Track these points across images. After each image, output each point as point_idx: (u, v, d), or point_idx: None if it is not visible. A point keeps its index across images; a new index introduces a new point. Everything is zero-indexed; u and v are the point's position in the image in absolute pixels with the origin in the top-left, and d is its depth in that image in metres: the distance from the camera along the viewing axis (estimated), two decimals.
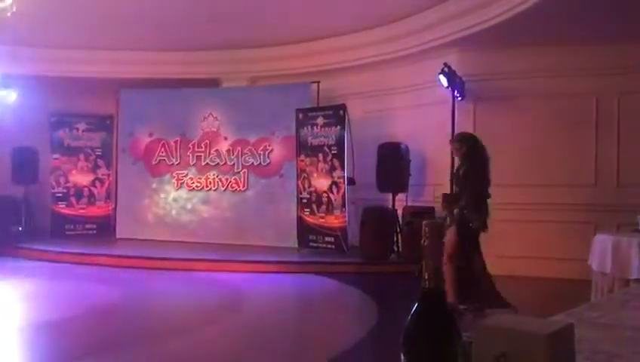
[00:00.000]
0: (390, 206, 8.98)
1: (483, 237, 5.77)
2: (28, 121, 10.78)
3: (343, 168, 9.09)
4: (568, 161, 8.04)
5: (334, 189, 9.18)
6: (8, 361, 4.37)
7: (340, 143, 9.17)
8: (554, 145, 8.12)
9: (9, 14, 6.49)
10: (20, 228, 10.18)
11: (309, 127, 9.58)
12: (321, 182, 9.36)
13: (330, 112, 9.43)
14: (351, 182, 9.14)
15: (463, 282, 5.48)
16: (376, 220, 8.77)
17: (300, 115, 9.76)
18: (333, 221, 9.16)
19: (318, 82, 10.04)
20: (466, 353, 0.98)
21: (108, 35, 9.96)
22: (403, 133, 9.27)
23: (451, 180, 6.21)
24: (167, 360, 4.40)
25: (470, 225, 5.61)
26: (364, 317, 5.86)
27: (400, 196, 9.03)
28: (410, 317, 0.93)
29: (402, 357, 0.92)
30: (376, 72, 9.81)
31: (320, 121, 9.46)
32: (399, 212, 8.92)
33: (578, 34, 7.53)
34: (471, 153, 5.83)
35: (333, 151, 9.25)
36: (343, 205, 9.06)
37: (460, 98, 8.15)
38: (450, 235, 5.58)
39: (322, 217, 9.31)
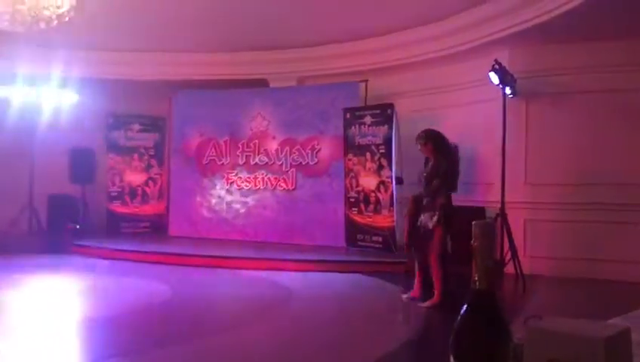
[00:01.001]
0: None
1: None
2: (85, 122, 11.18)
3: (390, 167, 9.05)
4: (623, 160, 7.76)
5: (382, 188, 9.15)
6: (66, 353, 4.54)
7: (387, 142, 9.13)
8: (609, 142, 7.86)
9: (67, 19, 6.72)
10: (78, 226, 10.52)
11: (357, 126, 9.57)
12: (369, 182, 9.35)
13: (378, 111, 9.40)
14: (399, 181, 9.07)
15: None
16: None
17: (348, 114, 9.76)
18: (381, 220, 9.13)
19: (366, 81, 10.02)
20: (517, 356, 0.97)
21: (161, 38, 10.20)
22: (452, 132, 9.09)
23: (422, 178, 6.20)
24: (216, 356, 4.48)
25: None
26: (411, 317, 5.81)
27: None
28: (459, 318, 0.93)
29: (452, 360, 0.92)
30: (425, 70, 9.71)
31: (368, 120, 9.44)
32: None
33: (635, 27, 7.27)
34: (438, 149, 6.00)
35: (380, 151, 9.21)
36: (391, 204, 9.02)
37: (511, 95, 7.98)
38: (438, 235, 5.78)
39: (370, 216, 9.29)
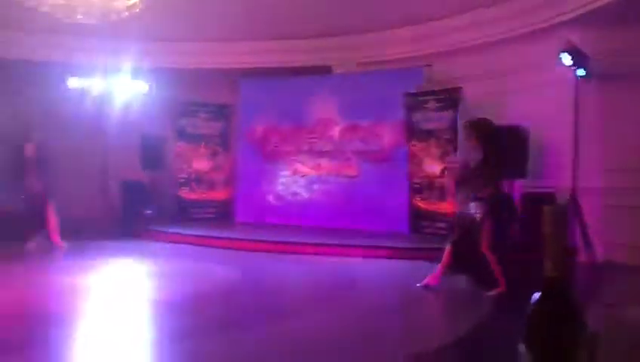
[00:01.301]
0: (507, 191, 8.64)
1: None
2: (155, 111, 11.54)
3: (456, 153, 8.88)
4: None
5: (447, 174, 9.00)
6: (138, 334, 4.73)
7: (453, 127, 8.96)
8: None
9: (138, 10, 6.93)
10: (150, 212, 10.88)
11: (421, 112, 9.43)
12: (434, 168, 9.21)
13: (443, 96, 9.23)
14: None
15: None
16: (497, 206, 8.44)
17: (412, 100, 9.63)
18: (447, 207, 8.98)
19: (430, 65, 9.84)
20: (591, 344, 0.94)
21: (227, 26, 10.37)
22: (521, 116, 8.85)
23: (470, 169, 6.04)
24: (281, 342, 4.54)
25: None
26: (477, 305, 5.71)
27: (518, 182, 8.64)
28: (532, 306, 0.90)
29: (522, 347, 0.90)
30: (492, 52, 9.42)
31: (432, 105, 9.29)
32: (517, 198, 8.55)
33: None
34: (484, 139, 5.83)
35: (446, 136, 9.05)
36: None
37: (585, 77, 7.64)
38: (486, 226, 5.74)
39: (435, 203, 9.16)
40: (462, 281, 6.25)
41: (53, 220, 8.63)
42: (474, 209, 5.90)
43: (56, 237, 8.63)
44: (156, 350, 4.31)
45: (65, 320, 5.05)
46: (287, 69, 11.12)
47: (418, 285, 6.20)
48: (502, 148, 6.00)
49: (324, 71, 11.27)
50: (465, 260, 6.01)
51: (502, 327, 4.94)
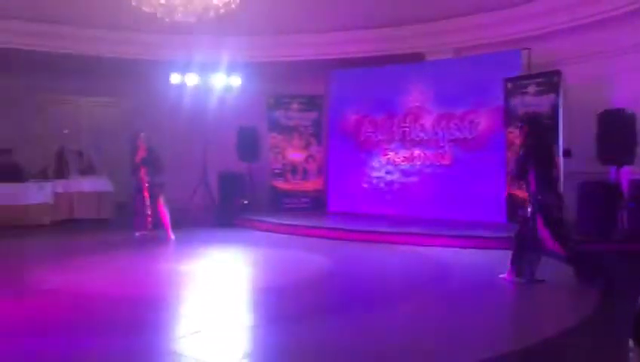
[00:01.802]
0: (613, 179, 8.17)
1: None
2: (249, 103, 11.88)
3: (557, 139, 8.48)
4: None
5: None
6: (238, 319, 4.91)
7: (554, 112, 8.55)
8: None
9: (233, 6, 7.14)
10: (245, 202, 11.23)
11: (520, 97, 9.08)
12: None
13: (543, 80, 8.83)
14: (566, 153, 8.49)
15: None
16: (597, 195, 8.04)
17: (509, 85, 9.29)
18: None
19: (529, 49, 9.44)
20: None
21: (317, 18, 10.47)
22: (628, 99, 8.32)
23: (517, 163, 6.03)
24: (374, 329, 4.56)
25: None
26: (579, 299, 5.45)
27: (626, 168, 8.15)
28: None
29: (632, 344, 0.86)
30: (595, 32, 8.91)
31: (531, 89, 8.91)
32: (625, 185, 8.07)
33: None
34: (534, 134, 5.87)
35: (547, 121, 8.65)
36: (558, 178, 8.46)
37: None
38: (539, 224, 5.75)
39: None
40: (564, 274, 5.99)
41: (165, 213, 8.97)
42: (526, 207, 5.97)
43: (169, 230, 8.96)
44: (254, 334, 4.45)
45: (170, 305, 5.34)
46: (379, 57, 11.05)
47: (501, 276, 6.09)
48: (548, 145, 6.09)
49: (416, 58, 11.10)
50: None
51: (609, 322, 4.70)
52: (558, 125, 8.45)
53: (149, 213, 8.95)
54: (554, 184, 5.99)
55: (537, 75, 9.04)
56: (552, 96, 8.61)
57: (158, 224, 9.03)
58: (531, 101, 8.88)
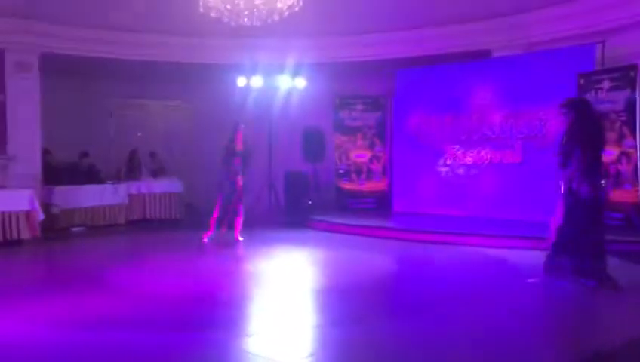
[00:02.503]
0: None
1: None
2: (314, 104, 11.97)
3: (634, 136, 8.10)
4: None
5: (624, 160, 8.24)
6: (303, 319, 4.96)
7: (630, 108, 8.18)
8: None
9: (297, 9, 7.21)
10: (310, 202, 11.31)
11: (593, 93, 8.72)
12: (608, 153, 8.47)
13: (618, 75, 8.45)
14: None
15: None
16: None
17: (582, 80, 8.94)
18: (624, 195, 8.24)
19: (603, 42, 9.05)
20: None
21: (380, 17, 10.42)
22: None
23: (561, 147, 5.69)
24: (430, 331, 4.49)
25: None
26: None
27: None
28: None
29: None
30: None
31: (606, 84, 8.54)
32: None
33: None
34: (580, 118, 5.60)
35: (621, 118, 8.30)
36: (635, 177, 8.09)
37: None
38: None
39: (610, 191, 8.43)
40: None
41: (241, 216, 8.75)
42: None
43: (238, 233, 8.76)
44: (318, 334, 4.48)
45: (238, 304, 5.45)
46: (444, 55, 10.88)
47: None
48: (593, 127, 5.66)
49: (482, 55, 10.86)
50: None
51: None
52: (635, 121, 8.07)
53: (230, 213, 8.62)
54: (595, 172, 5.58)
55: (612, 70, 8.66)
56: (627, 91, 8.23)
57: (234, 226, 8.77)
58: (605, 97, 8.51)
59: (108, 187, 11.01)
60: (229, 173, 8.62)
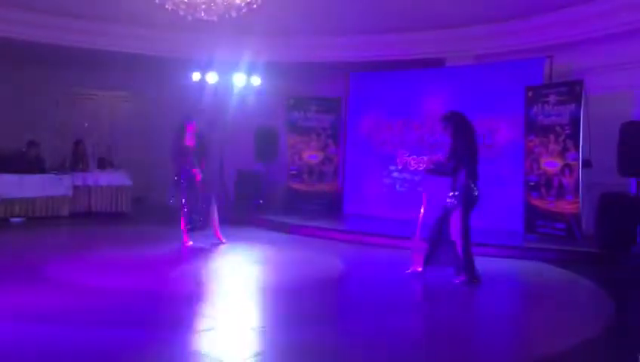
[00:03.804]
0: (634, 191, 8.07)
1: None
2: (268, 103, 11.92)
3: (577, 149, 8.39)
4: None
5: (567, 172, 8.53)
6: (246, 319, 4.92)
7: (574, 122, 8.46)
8: None
9: (255, 6, 7.16)
10: (261, 201, 11.25)
11: (540, 106, 9.00)
12: (552, 165, 8.76)
13: (565, 89, 8.74)
14: (587, 164, 8.40)
15: None
16: (617, 207, 7.93)
17: (530, 93, 9.21)
18: (565, 206, 8.53)
19: (551, 57, 9.35)
20: None
21: (336, 20, 10.47)
22: None
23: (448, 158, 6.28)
24: (376, 332, 4.54)
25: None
26: (597, 313, 5.38)
27: None
28: None
29: None
30: (619, 43, 8.81)
31: (553, 98, 8.82)
32: None
33: None
34: (459, 131, 6.13)
35: (566, 131, 8.57)
36: (577, 189, 8.38)
37: None
38: (457, 214, 6.09)
39: (552, 202, 8.72)
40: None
41: (215, 212, 8.30)
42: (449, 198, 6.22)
43: (218, 232, 8.32)
44: (264, 334, 4.45)
45: (183, 302, 5.36)
46: (399, 62, 11.02)
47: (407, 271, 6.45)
48: (472, 140, 6.20)
49: (436, 63, 11.05)
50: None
51: (622, 338, 4.63)
52: (578, 135, 8.36)
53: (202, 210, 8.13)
54: (476, 176, 6.18)
55: (559, 85, 8.95)
56: (572, 105, 8.52)
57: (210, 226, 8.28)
58: (551, 110, 8.80)
59: (51, 177, 10.65)
60: (182, 171, 8.00)
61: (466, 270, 6.10)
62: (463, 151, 6.09)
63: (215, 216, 8.33)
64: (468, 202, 6.11)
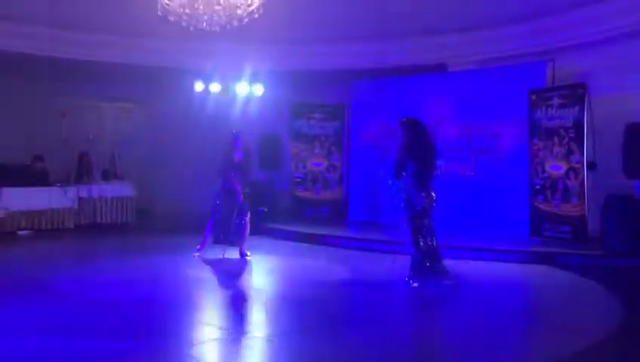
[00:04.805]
0: (639, 193, 8.04)
1: None
2: (272, 112, 11.94)
3: (581, 152, 8.38)
4: None
5: (572, 175, 8.52)
6: (255, 328, 4.92)
7: (578, 125, 8.46)
8: None
9: (256, 15, 7.19)
10: (265, 209, 11.24)
11: (544, 109, 8.99)
12: (557, 168, 8.75)
13: (567, 92, 8.74)
14: (591, 166, 8.38)
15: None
16: (623, 209, 7.90)
17: (534, 97, 9.21)
18: (570, 209, 8.50)
19: (554, 61, 9.35)
20: None
21: (339, 27, 10.48)
22: None
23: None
24: (384, 341, 4.52)
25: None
26: (603, 315, 5.36)
27: None
28: None
29: None
30: (621, 45, 8.79)
31: (556, 101, 8.82)
32: None
33: None
34: (411, 135, 6.29)
35: (570, 134, 8.57)
36: (582, 192, 8.36)
37: None
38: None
39: (557, 205, 8.70)
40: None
41: (246, 230, 8.10)
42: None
43: (243, 247, 8.08)
44: (270, 344, 4.45)
45: (189, 311, 5.36)
46: (401, 68, 11.03)
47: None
48: (424, 143, 6.36)
49: (438, 69, 11.06)
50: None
51: (630, 341, 4.61)
52: (582, 138, 8.35)
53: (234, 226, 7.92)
54: (428, 183, 6.27)
55: (562, 88, 8.95)
56: (576, 108, 8.51)
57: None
58: (555, 114, 8.79)
59: (56, 190, 10.69)
60: (227, 185, 7.98)
61: (414, 272, 6.26)
62: (409, 158, 6.22)
63: (247, 231, 8.12)
64: (409, 207, 6.23)
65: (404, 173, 6.26)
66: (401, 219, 6.48)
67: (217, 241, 8.02)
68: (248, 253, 8.05)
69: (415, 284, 6.24)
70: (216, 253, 7.86)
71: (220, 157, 8.14)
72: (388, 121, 11.29)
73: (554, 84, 9.25)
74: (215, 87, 11.38)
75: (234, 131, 8.32)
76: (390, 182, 6.47)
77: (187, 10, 7.19)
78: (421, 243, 6.26)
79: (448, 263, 7.64)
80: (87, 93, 12.92)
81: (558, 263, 7.61)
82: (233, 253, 7.95)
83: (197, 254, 7.98)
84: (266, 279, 7.18)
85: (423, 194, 6.19)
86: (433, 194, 6.30)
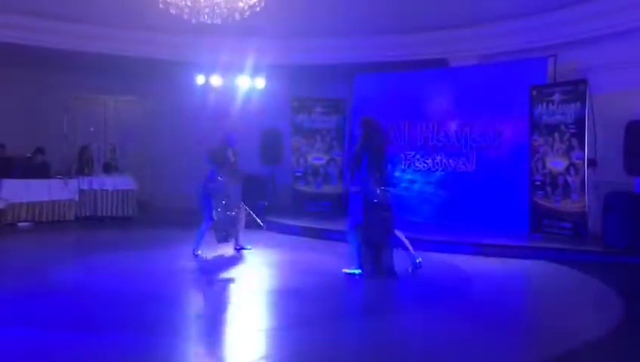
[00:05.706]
0: (639, 190, 8.05)
1: None
2: (273, 106, 11.93)
3: (582, 148, 8.37)
4: None
5: (572, 171, 8.51)
6: (256, 321, 4.93)
7: (579, 121, 8.45)
8: None
9: (258, 9, 7.18)
10: (266, 203, 11.26)
11: (544, 105, 8.98)
12: (557, 164, 8.75)
13: (569, 88, 8.72)
14: (592, 163, 8.38)
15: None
16: (623, 206, 7.91)
17: (535, 92, 9.19)
18: (571, 205, 8.51)
19: (555, 56, 9.33)
20: None
21: (341, 21, 10.48)
22: None
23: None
24: (384, 333, 4.54)
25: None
26: (604, 312, 5.37)
27: None
28: None
29: None
30: (626, 41, 8.77)
31: (557, 97, 8.81)
32: None
33: None
34: (368, 134, 6.46)
35: (571, 130, 8.56)
36: (583, 188, 8.36)
37: None
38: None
39: (558, 201, 8.70)
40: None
41: (241, 223, 8.04)
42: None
43: (240, 241, 8.04)
44: (272, 337, 4.46)
45: (189, 305, 5.38)
46: (402, 62, 11.02)
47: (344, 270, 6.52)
48: (378, 142, 6.49)
49: (439, 64, 11.05)
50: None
51: (631, 337, 4.62)
52: (583, 134, 8.35)
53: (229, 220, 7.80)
54: (382, 181, 6.41)
55: (563, 84, 8.94)
56: (577, 104, 8.50)
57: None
58: (556, 110, 8.78)
59: (57, 182, 10.71)
60: (221, 180, 7.82)
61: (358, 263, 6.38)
62: (364, 156, 6.41)
63: (242, 224, 8.08)
64: (365, 201, 6.40)
65: (359, 170, 6.47)
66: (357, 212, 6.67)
67: (219, 239, 7.89)
68: (249, 247, 8.05)
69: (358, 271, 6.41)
70: (215, 247, 7.86)
71: (214, 152, 8.04)
72: (389, 115, 11.27)
73: (555, 80, 9.23)
74: (216, 81, 11.37)
75: (229, 133, 8.28)
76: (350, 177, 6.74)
77: (189, 3, 7.18)
78: (370, 236, 6.41)
79: (447, 257, 7.74)
80: (89, 87, 12.93)
81: (558, 259, 7.62)
82: (231, 248, 7.94)
83: (199, 253, 7.82)
84: (266, 272, 7.19)
85: (375, 189, 6.36)
86: (390, 189, 6.50)
